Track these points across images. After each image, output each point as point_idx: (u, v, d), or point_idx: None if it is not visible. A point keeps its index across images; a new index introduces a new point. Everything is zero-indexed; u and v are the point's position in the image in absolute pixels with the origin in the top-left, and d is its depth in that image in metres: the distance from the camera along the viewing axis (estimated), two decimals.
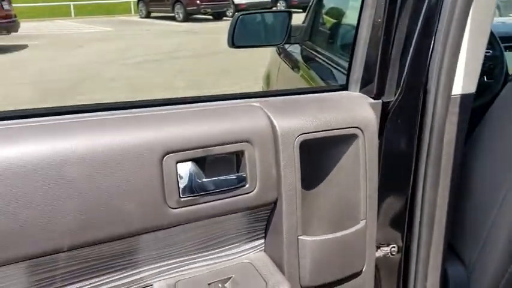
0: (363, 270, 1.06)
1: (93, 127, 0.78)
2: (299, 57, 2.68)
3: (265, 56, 3.44)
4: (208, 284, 0.90)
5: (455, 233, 1.38)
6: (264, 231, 0.99)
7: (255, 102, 0.96)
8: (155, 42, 9.95)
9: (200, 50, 8.63)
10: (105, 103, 0.90)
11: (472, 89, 1.12)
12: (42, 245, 0.73)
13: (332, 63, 2.16)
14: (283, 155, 0.91)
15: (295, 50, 2.75)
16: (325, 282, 1.01)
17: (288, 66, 2.79)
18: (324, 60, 2.28)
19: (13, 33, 8.92)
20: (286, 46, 2.83)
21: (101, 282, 0.84)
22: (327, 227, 1.01)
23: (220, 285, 0.90)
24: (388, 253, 1.19)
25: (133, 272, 0.87)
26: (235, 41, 1.86)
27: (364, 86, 1.09)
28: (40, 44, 9.62)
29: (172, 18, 14.39)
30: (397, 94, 1.08)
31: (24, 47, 9.18)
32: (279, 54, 2.97)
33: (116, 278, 0.85)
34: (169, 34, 11.30)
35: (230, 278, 0.92)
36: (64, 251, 0.76)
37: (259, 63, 5.24)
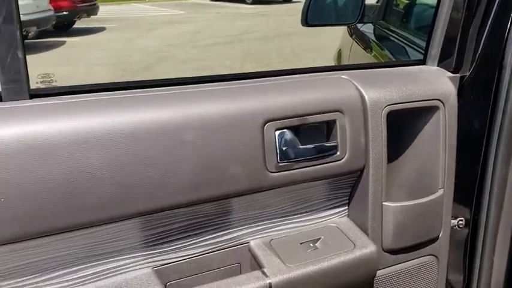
0: (440, 236, 1.11)
1: (206, 96, 0.87)
2: (372, 37, 2.69)
3: (332, 38, 3.43)
4: (300, 243, 0.98)
5: None
6: (348, 197, 1.06)
7: (342, 74, 1.02)
8: (225, 25, 10.10)
9: (269, 32, 8.68)
10: (208, 76, 0.99)
11: None
12: (163, 201, 0.82)
13: (407, 42, 2.17)
14: (372, 124, 0.97)
15: (368, 29, 2.75)
16: (405, 246, 1.07)
17: (360, 46, 2.80)
18: (398, 39, 2.28)
19: (93, 16, 9.36)
20: (359, 26, 2.84)
21: (205, 238, 0.94)
22: (407, 195, 1.06)
23: (311, 244, 0.98)
24: (455, 225, 1.22)
25: (233, 230, 0.96)
26: (308, 19, 1.90)
27: (442, 61, 1.13)
28: (117, 27, 10.02)
29: (242, 1, 14.47)
30: (472, 68, 1.11)
31: (102, 29, 9.59)
32: (351, 34, 2.98)
33: (217, 235, 0.95)
34: (239, 16, 11.42)
35: (319, 238, 1.00)
36: (179, 207, 0.85)
37: (326, 44, 5.24)
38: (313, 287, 0.93)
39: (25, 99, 0.78)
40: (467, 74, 1.13)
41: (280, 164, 0.91)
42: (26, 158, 0.72)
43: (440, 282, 1.18)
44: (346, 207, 1.07)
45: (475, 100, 1.14)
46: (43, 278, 0.81)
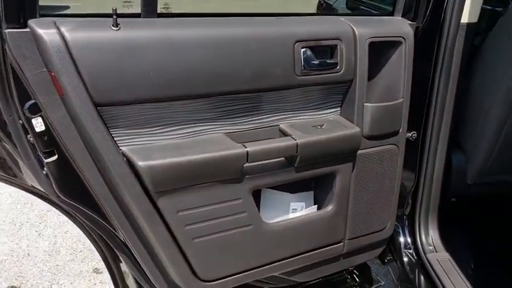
0: (400, 130, 1.62)
1: (262, 23, 1.34)
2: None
3: None
4: (312, 126, 1.46)
5: (459, 128, 1.89)
6: (341, 101, 1.55)
7: (342, 18, 1.50)
8: None
9: None
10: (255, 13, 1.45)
11: (475, 19, 1.64)
12: (234, 86, 1.29)
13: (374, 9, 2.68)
14: (360, 50, 1.45)
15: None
16: (377, 134, 1.57)
17: None
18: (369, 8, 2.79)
19: None
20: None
21: (254, 118, 1.40)
22: (380, 99, 1.55)
23: (319, 127, 1.47)
24: (410, 137, 1.73)
25: (271, 115, 1.43)
26: None
27: (405, 13, 1.62)
28: None
29: None
30: (423, 20, 1.61)
31: None
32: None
33: (261, 117, 1.41)
34: None
35: (323, 124, 1.48)
36: (243, 93, 1.32)
37: None
38: (321, 150, 1.42)
39: (154, 18, 1.22)
40: (421, 24, 1.63)
41: (304, 71, 1.38)
42: (164, 50, 1.17)
43: (399, 166, 1.69)
44: (339, 108, 1.56)
45: (425, 42, 1.64)
46: (163, 130, 1.27)
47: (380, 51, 1.53)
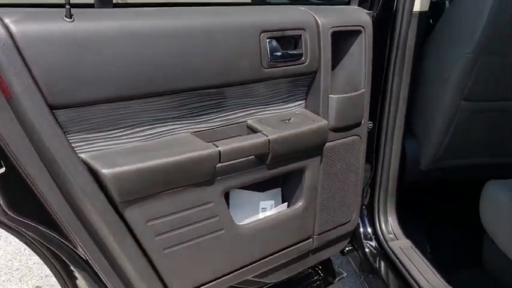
0: (362, 122, 1.59)
1: (227, 12, 1.24)
2: None
3: None
4: (280, 121, 1.39)
5: (412, 116, 1.90)
6: (305, 94, 1.48)
7: (299, 7, 1.44)
8: None
9: None
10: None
11: (426, 7, 1.65)
12: (200, 82, 1.18)
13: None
14: (323, 40, 1.39)
15: None
16: (342, 126, 1.52)
17: None
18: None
19: None
20: None
21: (221, 115, 1.31)
22: (343, 90, 1.51)
23: (287, 121, 1.39)
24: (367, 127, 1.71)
25: (238, 111, 1.34)
26: None
27: (361, 3, 1.59)
28: None
29: None
30: (377, 9, 1.59)
31: None
32: None
33: (229, 113, 1.32)
34: None
35: (291, 118, 1.41)
36: (209, 88, 1.21)
37: None
38: (292, 145, 1.35)
39: (110, 8, 1.09)
40: (375, 13, 1.61)
41: (271, 63, 1.30)
42: (124, 43, 1.04)
43: (362, 157, 1.66)
44: (304, 101, 1.49)
45: (379, 32, 1.62)
46: (126, 132, 1.13)
47: (340, 41, 1.49)
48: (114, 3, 1.10)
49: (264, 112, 1.41)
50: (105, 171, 1.05)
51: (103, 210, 1.09)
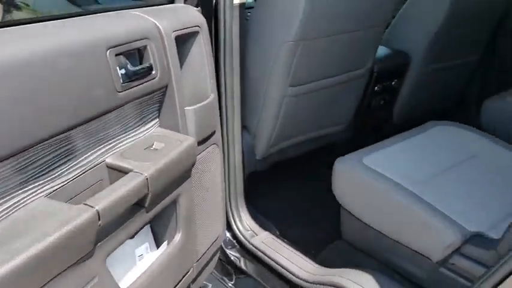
0: (216, 130, 1.44)
1: (59, 29, 0.91)
2: None
3: None
4: (144, 149, 1.14)
5: (244, 109, 1.84)
6: (158, 111, 1.25)
7: (131, 11, 1.19)
8: None
9: None
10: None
11: None
12: (43, 132, 0.86)
13: None
14: (169, 47, 1.18)
15: None
16: (202, 138, 1.35)
17: None
18: None
19: None
20: None
21: (76, 162, 0.99)
22: (196, 100, 1.33)
23: (151, 148, 1.15)
24: None
25: (91, 152, 1.04)
26: None
27: (186, 0, 1.41)
28: None
29: None
30: (200, 4, 1.45)
31: None
32: None
33: (84, 157, 1.01)
34: None
35: (153, 144, 1.17)
36: (57, 135, 0.89)
37: None
38: (168, 175, 1.12)
39: None
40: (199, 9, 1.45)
41: (124, 84, 1.04)
42: None
43: (222, 164, 1.52)
44: (157, 119, 1.26)
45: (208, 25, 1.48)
46: None
47: (178, 45, 1.30)
48: None
49: (121, 144, 1.14)
50: None
51: None
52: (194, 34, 1.32)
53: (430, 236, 1.41)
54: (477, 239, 1.36)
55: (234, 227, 1.84)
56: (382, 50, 2.21)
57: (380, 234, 1.57)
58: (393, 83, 2.36)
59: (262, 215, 1.92)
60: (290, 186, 2.19)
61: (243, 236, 1.82)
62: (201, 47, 1.34)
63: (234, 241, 1.83)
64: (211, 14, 1.53)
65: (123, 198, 0.96)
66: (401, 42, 2.31)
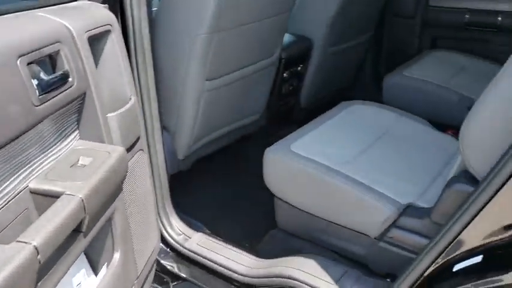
0: (140, 135, 1.33)
1: None
2: None
3: None
4: (71, 167, 1.00)
5: (162, 108, 1.73)
6: (77, 122, 1.12)
7: (36, 12, 1.03)
8: None
9: None
10: None
11: None
12: None
13: None
14: (82, 50, 1.05)
15: None
16: (129, 145, 1.24)
17: None
18: None
19: None
20: None
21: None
22: (118, 105, 1.21)
23: (79, 165, 1.02)
24: None
25: (11, 179, 0.89)
26: None
27: None
28: None
29: None
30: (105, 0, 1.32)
31: None
32: None
33: (5, 185, 0.86)
34: None
35: (78, 160, 1.04)
36: None
37: None
38: (102, 194, 1.00)
39: None
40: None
41: (40, 97, 0.90)
42: None
43: (149, 169, 1.42)
44: (77, 131, 1.13)
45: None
46: None
47: (92, 47, 1.17)
48: None
49: (43, 164, 0.99)
50: None
51: None
52: (106, 33, 1.19)
53: (366, 214, 1.45)
54: (410, 210, 1.41)
55: (166, 234, 1.73)
56: (287, 37, 2.22)
57: (316, 218, 1.57)
58: (299, 68, 2.39)
59: (192, 217, 1.84)
60: (216, 183, 2.12)
61: (176, 241, 1.73)
62: (114, 47, 1.21)
63: (167, 249, 1.73)
64: (117, 9, 1.40)
65: (61, 227, 0.84)
66: (303, 28, 2.34)
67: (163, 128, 1.82)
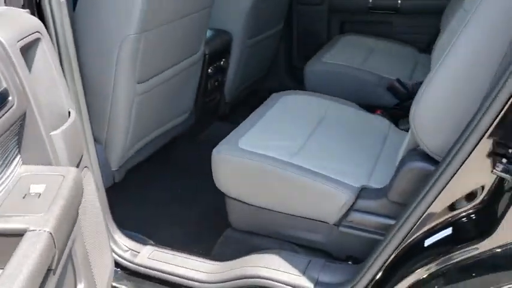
0: (84, 152, 1.20)
1: None
2: None
3: None
4: (23, 198, 0.87)
5: (91, 118, 1.58)
6: (18, 145, 0.97)
7: None
8: None
9: None
10: None
11: None
12: None
13: None
14: (17, 63, 0.91)
15: None
16: (77, 162, 1.11)
17: None
18: None
19: None
20: None
21: None
22: (56, 122, 1.07)
23: (32, 194, 0.89)
24: None
25: None
26: None
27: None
28: None
29: None
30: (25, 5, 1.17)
31: None
32: None
33: None
34: None
35: (29, 188, 0.91)
36: None
37: None
38: (66, 222, 0.88)
39: None
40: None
41: None
42: None
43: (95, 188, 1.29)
44: (19, 155, 0.98)
45: None
46: None
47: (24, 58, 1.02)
48: None
49: None
50: None
51: None
52: (36, 42, 1.05)
53: (324, 201, 1.45)
54: (365, 192, 1.44)
55: (113, 254, 1.60)
56: (208, 32, 2.15)
57: (272, 212, 1.55)
58: (222, 63, 2.34)
59: (135, 230, 1.72)
60: (153, 190, 2.01)
61: (125, 259, 1.60)
62: (46, 57, 1.07)
63: (117, 268, 1.59)
64: (34, 13, 1.24)
65: (36, 270, 0.72)
66: (223, 22, 2.29)
67: (94, 139, 1.68)
